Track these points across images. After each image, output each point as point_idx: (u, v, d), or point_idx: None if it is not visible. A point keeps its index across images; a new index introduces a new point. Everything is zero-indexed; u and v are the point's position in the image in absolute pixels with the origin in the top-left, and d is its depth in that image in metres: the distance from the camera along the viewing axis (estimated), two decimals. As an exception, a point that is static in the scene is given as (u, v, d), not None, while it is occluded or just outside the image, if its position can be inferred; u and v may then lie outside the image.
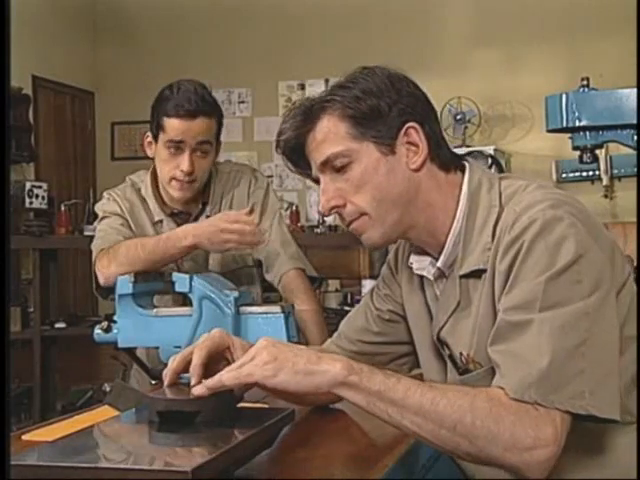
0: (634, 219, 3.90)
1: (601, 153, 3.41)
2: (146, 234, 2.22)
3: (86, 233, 4.73)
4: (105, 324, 1.95)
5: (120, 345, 1.95)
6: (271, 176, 7.39)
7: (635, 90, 2.78)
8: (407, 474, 1.36)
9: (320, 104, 1.32)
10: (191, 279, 1.89)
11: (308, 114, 1.33)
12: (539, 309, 1.16)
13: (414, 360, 1.51)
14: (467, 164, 1.37)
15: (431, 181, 1.33)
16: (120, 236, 2.15)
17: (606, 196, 6.21)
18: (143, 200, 2.25)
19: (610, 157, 5.79)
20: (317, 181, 1.37)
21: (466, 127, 6.60)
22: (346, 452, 1.33)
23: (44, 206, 5.10)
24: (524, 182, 1.34)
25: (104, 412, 1.50)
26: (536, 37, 6.85)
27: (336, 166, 1.32)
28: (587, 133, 2.90)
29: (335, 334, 1.63)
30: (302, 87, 7.46)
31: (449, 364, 1.38)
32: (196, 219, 2.22)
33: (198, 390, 1.19)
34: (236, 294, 1.88)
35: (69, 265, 6.98)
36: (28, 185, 5.12)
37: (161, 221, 2.23)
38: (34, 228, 4.71)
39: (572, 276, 1.17)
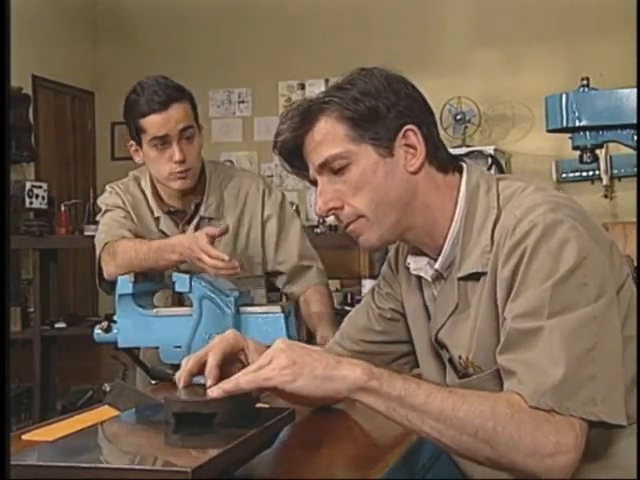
0: (634, 219, 3.90)
1: (601, 153, 3.41)
2: (148, 227, 2.23)
3: (86, 233, 4.73)
4: (105, 324, 1.95)
5: (120, 345, 1.95)
6: (271, 176, 7.39)
7: (635, 90, 2.78)
8: (407, 474, 1.35)
9: (318, 105, 1.32)
10: (191, 279, 1.89)
11: (306, 115, 1.33)
12: (547, 315, 1.16)
13: (415, 360, 1.51)
14: (465, 165, 1.37)
15: (429, 183, 1.33)
16: (123, 229, 2.16)
17: (606, 196, 6.21)
18: (144, 194, 2.26)
19: (610, 157, 5.79)
20: (314, 182, 1.36)
21: (466, 127, 6.60)
22: (346, 452, 1.33)
23: (44, 206, 5.10)
24: (522, 184, 1.33)
25: (104, 412, 1.50)
26: (536, 37, 6.85)
27: (334, 168, 1.31)
28: (587, 133, 2.89)
29: (337, 334, 1.63)
30: (302, 87, 7.46)
31: (448, 367, 1.37)
32: (191, 219, 2.22)
33: (215, 392, 1.18)
34: (236, 294, 1.88)
35: (69, 265, 6.98)
36: (28, 185, 5.12)
37: (159, 218, 2.23)
38: (34, 228, 4.72)
39: (578, 279, 1.17)
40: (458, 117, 6.57)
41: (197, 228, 2.21)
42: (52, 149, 7.37)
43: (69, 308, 6.38)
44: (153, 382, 1.99)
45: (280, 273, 2.28)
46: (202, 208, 2.22)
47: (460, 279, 1.32)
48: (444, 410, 1.13)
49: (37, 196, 5.08)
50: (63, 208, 4.96)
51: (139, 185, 2.27)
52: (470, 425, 1.12)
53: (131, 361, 2.11)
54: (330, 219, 5.59)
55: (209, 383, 1.24)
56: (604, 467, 1.25)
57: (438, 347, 1.39)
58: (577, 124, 2.85)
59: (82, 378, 5.20)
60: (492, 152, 5.91)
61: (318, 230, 5.14)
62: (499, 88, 6.95)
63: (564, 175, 5.77)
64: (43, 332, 4.69)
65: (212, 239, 1.90)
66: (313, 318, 2.18)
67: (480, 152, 5.58)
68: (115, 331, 1.94)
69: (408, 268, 1.43)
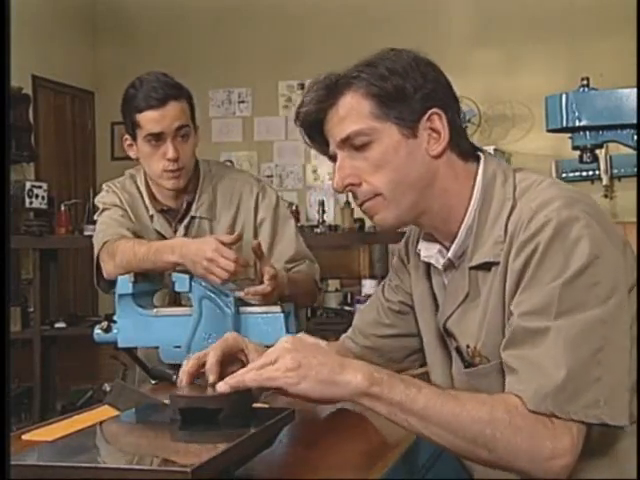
0: (634, 219, 3.90)
1: (601, 153, 3.41)
2: (145, 226, 2.23)
3: (86, 233, 4.73)
4: (105, 324, 1.95)
5: (120, 345, 1.94)
6: (271, 176, 7.39)
7: (635, 90, 2.78)
8: (407, 474, 1.35)
9: (345, 80, 1.31)
10: (191, 279, 1.89)
11: (332, 88, 1.31)
12: (555, 315, 1.16)
13: (424, 356, 1.51)
14: (482, 155, 1.37)
15: (449, 169, 1.32)
16: (122, 228, 2.15)
17: (606, 196, 6.20)
18: (140, 192, 2.26)
19: (610, 157, 5.78)
20: (333, 158, 1.35)
21: (466, 127, 6.53)
22: (346, 452, 1.33)
23: (44, 206, 5.10)
24: (538, 177, 1.33)
25: (104, 412, 1.50)
26: (536, 37, 6.85)
27: (356, 144, 1.30)
28: (587, 133, 2.90)
29: (350, 329, 1.63)
30: (302, 87, 7.46)
31: (454, 356, 1.37)
32: (182, 218, 2.22)
33: (222, 387, 1.18)
34: (236, 294, 1.88)
35: (69, 265, 6.98)
36: (28, 185, 5.12)
37: (153, 216, 2.23)
38: (34, 228, 4.71)
39: (588, 279, 1.17)
40: (458, 117, 6.57)
41: (188, 228, 2.21)
42: (52, 149, 7.38)
43: (69, 308, 6.38)
44: (153, 382, 1.99)
45: None
46: (193, 207, 2.22)
47: (472, 268, 1.32)
48: (443, 416, 1.15)
49: (37, 196, 5.08)
50: (63, 208, 4.96)
51: (135, 183, 2.27)
52: (469, 431, 1.14)
53: (131, 361, 2.11)
54: (330, 219, 5.59)
55: (211, 379, 1.25)
56: (604, 465, 1.24)
57: (446, 336, 1.38)
58: (577, 124, 2.85)
59: (82, 378, 5.20)
60: (492, 152, 5.92)
61: (318, 230, 5.14)
62: (499, 88, 6.95)
63: (564, 175, 5.76)
64: (43, 332, 4.69)
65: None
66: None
67: (480, 152, 5.59)
68: (115, 331, 1.94)
69: (419, 255, 1.43)
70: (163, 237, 2.20)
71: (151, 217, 2.24)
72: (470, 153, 1.36)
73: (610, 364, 1.16)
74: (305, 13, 7.41)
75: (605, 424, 1.15)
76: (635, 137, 2.81)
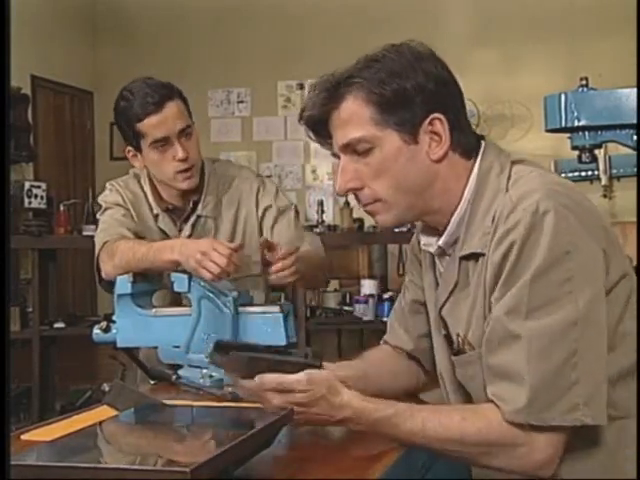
0: (633, 219, 3.90)
1: (600, 153, 3.40)
2: (148, 225, 2.22)
3: (85, 233, 4.72)
4: (104, 324, 1.95)
5: (119, 345, 1.94)
6: (270, 176, 7.38)
7: (634, 90, 2.78)
8: (407, 473, 1.35)
9: (345, 83, 1.31)
10: (190, 279, 1.89)
11: (333, 92, 1.32)
12: (526, 313, 1.18)
13: None
14: (482, 146, 1.36)
15: (450, 170, 1.33)
16: (122, 228, 2.15)
17: (605, 196, 6.18)
18: (144, 191, 2.26)
19: (609, 157, 5.78)
20: (337, 155, 1.36)
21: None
22: (345, 452, 1.33)
23: (43, 206, 5.09)
24: (532, 168, 1.34)
25: (103, 412, 1.50)
26: (535, 37, 6.85)
27: (358, 150, 1.31)
28: (586, 133, 2.89)
29: (390, 338, 1.65)
30: (301, 87, 7.46)
31: (444, 343, 1.40)
32: (188, 217, 2.22)
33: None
34: (235, 294, 1.88)
35: (68, 265, 6.98)
36: (27, 185, 5.11)
37: (158, 215, 2.23)
38: (33, 228, 4.71)
39: (560, 274, 1.18)
40: (457, 117, 6.57)
41: (194, 226, 2.21)
42: (51, 149, 7.37)
43: (68, 308, 6.38)
44: (152, 382, 1.99)
45: None
46: (200, 207, 2.22)
47: (462, 258, 1.33)
48: (424, 440, 1.24)
49: (36, 196, 5.07)
50: (62, 208, 4.95)
51: (139, 182, 2.27)
52: (446, 453, 1.25)
53: (130, 361, 2.11)
54: (329, 219, 5.59)
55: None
56: (586, 458, 1.26)
57: (441, 323, 1.40)
58: (576, 124, 2.84)
59: (81, 378, 5.20)
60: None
61: (317, 230, 5.13)
62: (498, 88, 6.95)
63: (563, 175, 5.73)
64: (42, 332, 4.68)
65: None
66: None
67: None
68: (114, 331, 1.94)
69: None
70: (167, 236, 2.20)
71: (156, 216, 2.23)
72: (473, 149, 1.35)
73: (586, 365, 1.17)
74: (305, 13, 7.41)
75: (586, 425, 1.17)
76: (634, 137, 2.81)
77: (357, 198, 1.36)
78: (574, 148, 2.98)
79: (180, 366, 1.89)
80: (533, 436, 1.17)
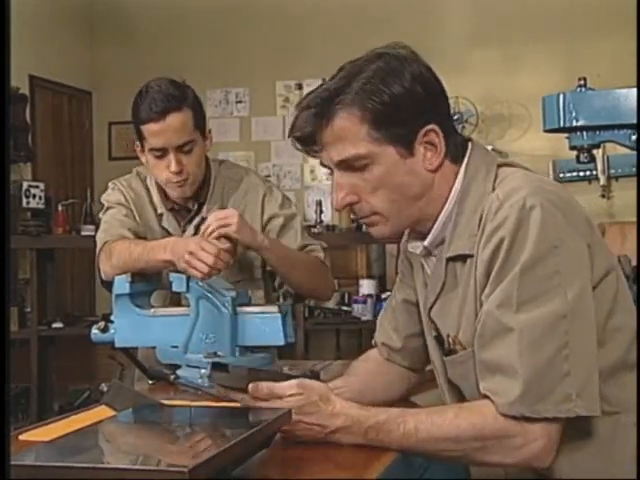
0: (631, 219, 3.90)
1: (598, 153, 3.41)
2: (150, 225, 2.22)
3: (83, 233, 4.73)
4: (102, 324, 1.95)
5: (117, 345, 1.94)
6: (268, 176, 7.38)
7: (633, 90, 2.78)
8: (405, 473, 1.36)
9: (337, 99, 1.28)
10: (188, 279, 1.89)
11: (324, 108, 1.29)
12: (516, 306, 1.19)
13: None
14: (468, 149, 1.36)
15: (443, 177, 1.34)
16: (123, 228, 2.15)
17: (603, 196, 6.21)
18: (148, 190, 2.25)
19: (607, 157, 5.79)
20: (327, 166, 1.35)
21: (463, 127, 6.60)
22: (344, 451, 1.33)
23: (41, 206, 5.08)
24: (517, 169, 1.34)
25: (101, 412, 1.49)
26: (534, 37, 6.85)
27: (354, 166, 1.31)
28: (584, 133, 2.90)
29: (380, 337, 1.64)
30: (300, 87, 7.46)
31: (435, 344, 1.40)
32: (192, 218, 2.22)
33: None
34: (233, 294, 1.88)
35: (66, 265, 6.98)
36: (25, 185, 5.10)
37: (162, 215, 2.23)
38: (31, 228, 4.71)
39: (547, 268, 1.19)
40: (455, 117, 6.57)
41: (198, 228, 2.21)
42: (49, 149, 7.37)
43: (66, 308, 6.37)
44: (150, 382, 1.98)
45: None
46: (204, 209, 2.21)
47: (449, 259, 1.34)
48: (418, 444, 1.25)
49: (34, 196, 5.07)
50: (60, 208, 4.95)
51: (143, 181, 2.27)
52: (441, 454, 1.26)
53: (128, 361, 2.11)
54: (327, 219, 5.59)
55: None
56: (580, 450, 1.26)
57: (431, 325, 1.41)
58: (574, 124, 2.85)
59: (79, 378, 5.19)
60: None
61: (315, 230, 5.14)
62: (496, 88, 6.95)
63: (561, 175, 5.76)
64: (40, 332, 4.68)
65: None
66: None
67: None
68: (112, 331, 1.94)
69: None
70: (170, 236, 2.19)
71: (160, 216, 2.23)
72: (460, 152, 1.36)
73: (577, 357, 1.18)
74: (305, 13, 7.41)
75: (579, 416, 1.17)
76: (632, 137, 2.81)
77: (353, 211, 1.37)
78: (572, 148, 2.98)
79: (178, 366, 1.89)
80: (527, 427, 1.18)
